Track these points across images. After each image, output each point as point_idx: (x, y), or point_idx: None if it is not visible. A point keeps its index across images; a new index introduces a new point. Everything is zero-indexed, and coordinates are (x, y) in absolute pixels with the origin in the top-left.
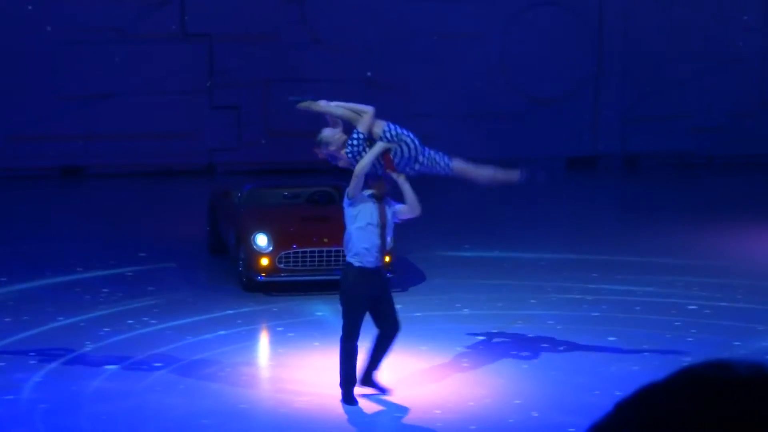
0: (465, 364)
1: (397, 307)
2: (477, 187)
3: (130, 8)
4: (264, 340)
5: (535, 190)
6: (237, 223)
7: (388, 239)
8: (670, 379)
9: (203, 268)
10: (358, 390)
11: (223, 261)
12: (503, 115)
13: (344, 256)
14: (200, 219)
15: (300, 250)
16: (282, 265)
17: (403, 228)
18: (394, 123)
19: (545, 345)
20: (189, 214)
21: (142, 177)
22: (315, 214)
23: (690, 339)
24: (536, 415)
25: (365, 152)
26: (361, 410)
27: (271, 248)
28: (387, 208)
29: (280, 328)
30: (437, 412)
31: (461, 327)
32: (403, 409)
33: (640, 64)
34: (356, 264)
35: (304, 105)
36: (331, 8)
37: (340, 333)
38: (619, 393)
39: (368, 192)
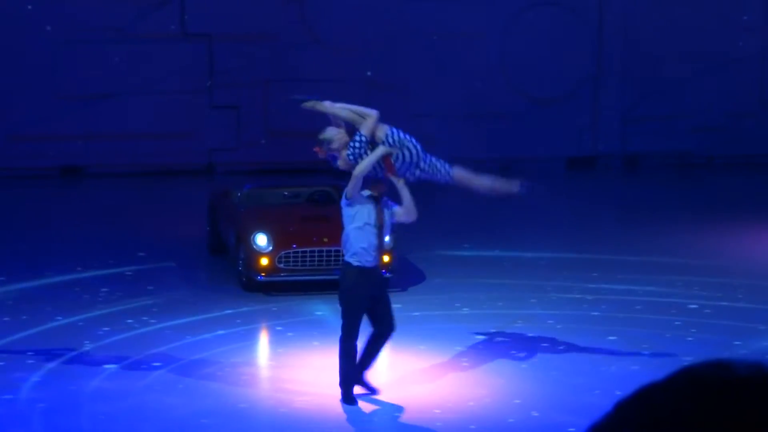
0: (465, 364)
1: (397, 306)
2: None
3: (130, 8)
4: (263, 339)
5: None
6: (237, 223)
7: (386, 239)
8: (670, 379)
9: (203, 268)
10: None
11: (222, 261)
12: (503, 115)
13: (343, 255)
14: (200, 219)
15: (300, 249)
16: (282, 265)
17: (403, 227)
18: (397, 128)
19: (545, 344)
20: (189, 214)
21: (142, 177)
22: (315, 214)
23: (690, 339)
24: (536, 414)
25: (366, 155)
26: (360, 410)
27: (270, 248)
28: (384, 208)
29: (279, 328)
30: (437, 411)
31: (461, 326)
32: (402, 409)
33: (640, 64)
34: (355, 263)
35: (309, 105)
36: (331, 8)
37: (339, 333)
38: (619, 393)
39: (366, 192)
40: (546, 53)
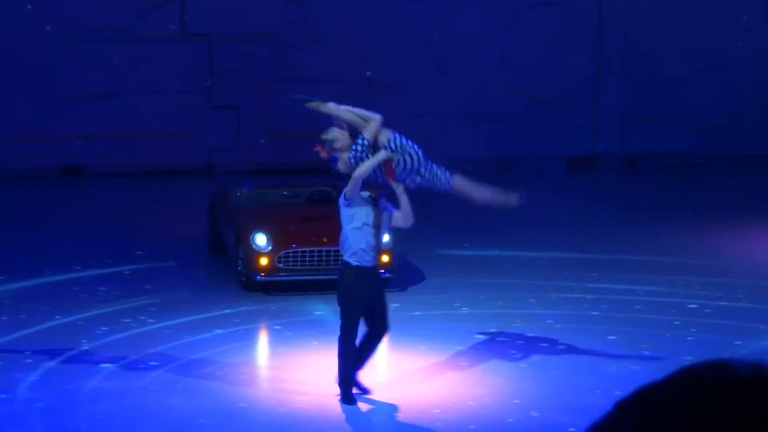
0: (464, 364)
1: (396, 306)
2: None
3: (129, 8)
4: (262, 339)
5: (534, 190)
6: (236, 223)
7: (385, 239)
8: (670, 379)
9: (202, 268)
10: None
11: (222, 261)
12: (503, 115)
13: (342, 255)
14: (200, 219)
15: (299, 249)
16: (281, 265)
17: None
18: (400, 133)
19: (545, 344)
20: (188, 214)
21: (142, 177)
22: (314, 214)
23: (690, 338)
24: (536, 414)
25: (367, 158)
26: (359, 410)
27: (270, 248)
28: (383, 210)
29: (278, 327)
30: (436, 411)
31: (460, 326)
32: (402, 409)
33: (640, 64)
34: (354, 263)
35: (313, 105)
36: (330, 8)
37: (338, 332)
38: (619, 393)
39: (365, 193)
40: (546, 53)
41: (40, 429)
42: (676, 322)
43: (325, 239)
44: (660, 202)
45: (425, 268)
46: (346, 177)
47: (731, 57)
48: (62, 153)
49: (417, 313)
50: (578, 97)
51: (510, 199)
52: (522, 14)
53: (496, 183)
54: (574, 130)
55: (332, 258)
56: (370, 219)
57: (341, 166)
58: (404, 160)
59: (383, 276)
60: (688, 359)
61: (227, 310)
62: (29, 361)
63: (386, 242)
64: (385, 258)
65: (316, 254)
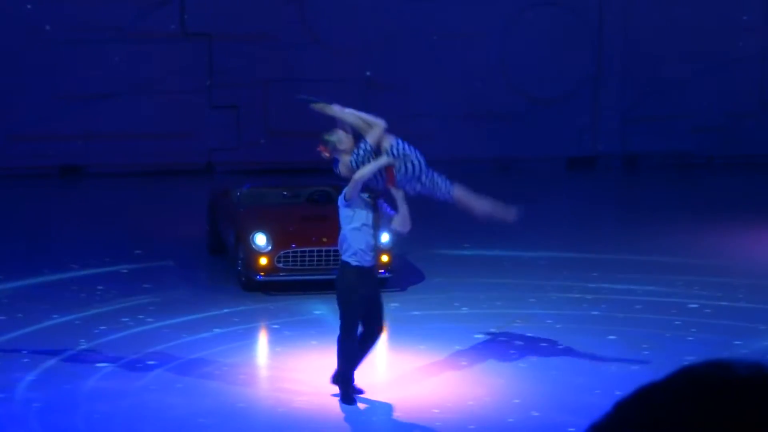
0: (464, 364)
1: (396, 305)
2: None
3: (129, 8)
4: (262, 339)
5: (534, 190)
6: (236, 223)
7: (384, 240)
8: (670, 379)
9: (202, 268)
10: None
11: (222, 260)
12: (503, 115)
13: (341, 255)
14: (199, 218)
15: (299, 249)
16: (281, 265)
17: None
18: (403, 140)
19: (545, 344)
20: (188, 214)
21: (142, 177)
22: (314, 214)
23: (690, 338)
24: (536, 414)
25: (369, 163)
26: (359, 409)
27: (270, 248)
28: (381, 211)
29: (276, 326)
30: (436, 411)
31: (460, 326)
32: (401, 409)
33: (640, 64)
34: (354, 263)
35: (318, 106)
36: (330, 8)
37: (337, 332)
38: (619, 393)
39: (365, 195)
40: (546, 53)
41: (39, 429)
42: (676, 322)
43: (324, 239)
44: (660, 202)
45: (425, 268)
46: (345, 179)
47: (731, 57)
48: (62, 153)
49: (417, 312)
50: (578, 97)
51: (508, 212)
52: (522, 14)
53: (496, 183)
54: (574, 130)
55: (332, 258)
56: (369, 220)
57: (342, 168)
58: (406, 167)
59: (381, 276)
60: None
61: (226, 310)
62: (27, 360)
63: (386, 242)
64: (384, 258)
65: (315, 254)
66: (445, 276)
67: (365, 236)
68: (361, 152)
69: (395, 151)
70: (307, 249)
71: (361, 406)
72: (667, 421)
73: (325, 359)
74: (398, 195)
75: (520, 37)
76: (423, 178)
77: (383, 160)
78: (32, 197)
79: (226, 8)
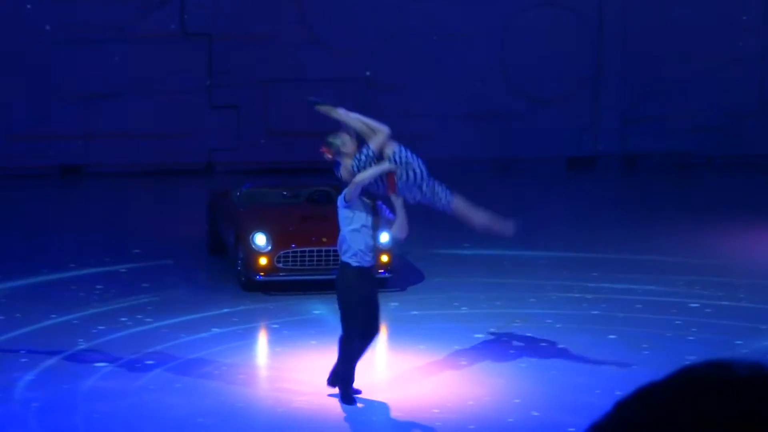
0: (464, 363)
1: (396, 305)
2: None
3: (129, 7)
4: (261, 338)
5: (534, 190)
6: (236, 223)
7: (384, 240)
8: (670, 379)
9: (202, 268)
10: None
11: (222, 260)
12: (503, 115)
13: (341, 256)
14: (199, 218)
15: (299, 249)
16: (281, 265)
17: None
18: (406, 148)
19: (544, 344)
20: (188, 214)
21: (142, 176)
22: (314, 214)
23: (691, 338)
24: (536, 414)
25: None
26: (358, 409)
27: (269, 248)
28: (380, 212)
29: (275, 326)
30: (436, 411)
31: (460, 326)
32: (401, 409)
33: (640, 64)
34: (354, 264)
35: (324, 109)
36: (330, 8)
37: (336, 331)
38: (619, 393)
39: (365, 197)
40: (546, 53)
41: (38, 429)
42: (676, 322)
43: (324, 239)
44: (660, 202)
45: (425, 268)
46: (345, 182)
47: (731, 57)
48: (62, 153)
49: (416, 312)
50: (578, 97)
51: (506, 226)
52: (522, 14)
53: (496, 183)
54: (574, 130)
55: (331, 258)
56: (369, 222)
57: (343, 172)
58: (407, 175)
59: (381, 276)
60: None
61: (225, 310)
62: (26, 360)
63: (385, 243)
64: (384, 258)
65: (315, 254)
66: (445, 276)
67: (364, 237)
68: (363, 157)
69: (397, 158)
70: (306, 249)
71: (360, 406)
72: (667, 421)
73: (324, 359)
74: (397, 202)
75: (520, 37)
76: (424, 186)
77: (385, 165)
78: (32, 197)
79: (226, 8)
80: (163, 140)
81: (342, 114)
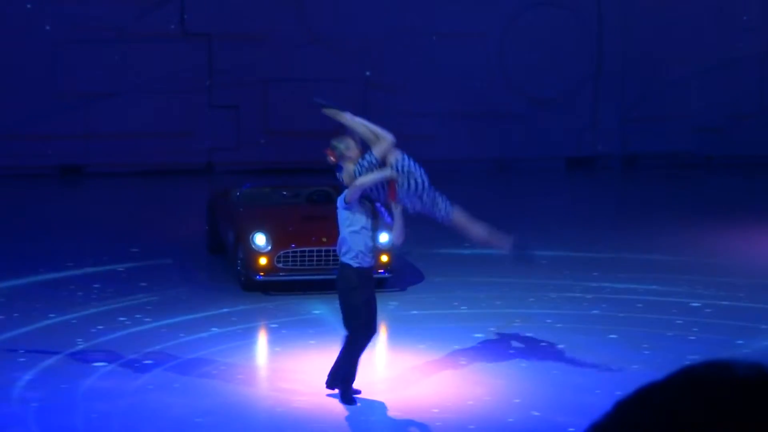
0: (463, 363)
1: (395, 305)
2: (477, 184)
3: (129, 7)
4: (260, 338)
5: (534, 190)
6: (236, 223)
7: (383, 240)
8: (670, 379)
9: (202, 267)
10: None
11: (221, 260)
12: (503, 115)
13: (340, 257)
14: (199, 218)
15: (298, 249)
16: (280, 265)
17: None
18: (409, 157)
19: (544, 344)
20: (188, 214)
21: (142, 176)
22: (314, 214)
23: (692, 338)
24: (536, 414)
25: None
26: (358, 409)
27: (269, 247)
28: (379, 214)
29: (274, 326)
30: (435, 411)
31: (460, 326)
32: (400, 409)
33: (640, 64)
34: (355, 265)
35: (330, 112)
36: (330, 8)
37: (336, 331)
38: (619, 393)
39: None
40: (546, 53)
41: (36, 429)
42: (677, 322)
43: (324, 239)
44: (660, 202)
45: (425, 268)
46: (346, 187)
47: (731, 57)
48: (62, 152)
49: (416, 312)
50: (578, 97)
51: (504, 242)
52: (522, 14)
53: (495, 183)
54: (574, 130)
55: (331, 258)
56: (368, 223)
57: (345, 176)
58: (408, 183)
59: (381, 276)
60: (690, 359)
61: (225, 309)
62: (24, 360)
63: (384, 243)
64: (384, 258)
65: (315, 254)
66: (445, 275)
67: (364, 238)
68: (366, 163)
69: (400, 167)
70: (306, 249)
71: (360, 406)
72: (667, 421)
73: (324, 359)
74: (397, 210)
75: (519, 37)
76: (424, 197)
77: (387, 172)
78: (32, 197)
79: (226, 8)
80: (163, 140)
81: (348, 118)
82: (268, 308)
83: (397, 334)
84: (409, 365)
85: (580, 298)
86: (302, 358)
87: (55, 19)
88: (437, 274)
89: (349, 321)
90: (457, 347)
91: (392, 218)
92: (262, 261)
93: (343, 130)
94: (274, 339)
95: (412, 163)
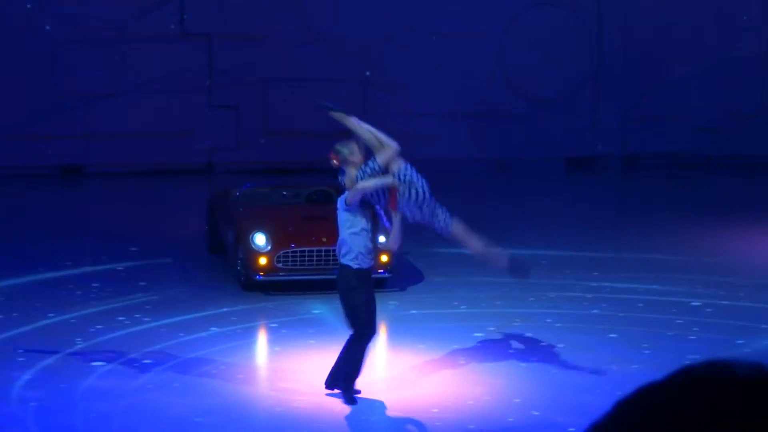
0: (463, 363)
1: (395, 305)
2: (477, 184)
3: (129, 7)
4: (260, 338)
5: (533, 190)
6: (235, 223)
7: (381, 240)
8: (670, 379)
9: (201, 267)
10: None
11: (221, 260)
12: (503, 115)
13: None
14: (199, 218)
15: (298, 249)
16: (280, 265)
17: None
18: (412, 166)
19: (544, 344)
20: (188, 214)
21: (142, 176)
22: (313, 214)
23: (692, 338)
24: (536, 414)
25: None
26: (358, 409)
27: (269, 247)
28: (379, 216)
29: (274, 325)
30: (435, 411)
31: (460, 325)
32: (400, 408)
33: (640, 64)
34: (355, 266)
35: (337, 116)
36: (330, 8)
37: (336, 331)
38: (619, 393)
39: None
40: (546, 53)
41: (35, 428)
42: (677, 321)
43: (324, 239)
44: (660, 201)
45: (424, 267)
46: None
47: (731, 57)
48: (62, 152)
49: (416, 312)
50: (578, 97)
51: (500, 258)
52: (522, 14)
53: (495, 183)
54: (574, 130)
55: (331, 258)
56: (368, 225)
57: (346, 181)
58: (409, 193)
59: (381, 276)
60: (690, 358)
61: (224, 309)
62: (23, 359)
63: (385, 242)
64: (384, 258)
65: (315, 254)
66: (445, 275)
67: (364, 240)
68: (368, 170)
69: (402, 176)
70: (306, 249)
71: (360, 405)
72: (667, 421)
73: (323, 358)
74: (396, 218)
75: (520, 37)
76: (424, 207)
77: (388, 178)
78: (32, 197)
79: (226, 8)
80: (163, 140)
81: (354, 123)
82: (267, 308)
83: (396, 334)
84: (408, 365)
85: (580, 297)
86: (302, 357)
87: (55, 19)
88: (437, 274)
89: (351, 319)
90: (456, 347)
91: (391, 224)
92: (262, 261)
93: (349, 135)
94: (274, 339)
95: (414, 173)
